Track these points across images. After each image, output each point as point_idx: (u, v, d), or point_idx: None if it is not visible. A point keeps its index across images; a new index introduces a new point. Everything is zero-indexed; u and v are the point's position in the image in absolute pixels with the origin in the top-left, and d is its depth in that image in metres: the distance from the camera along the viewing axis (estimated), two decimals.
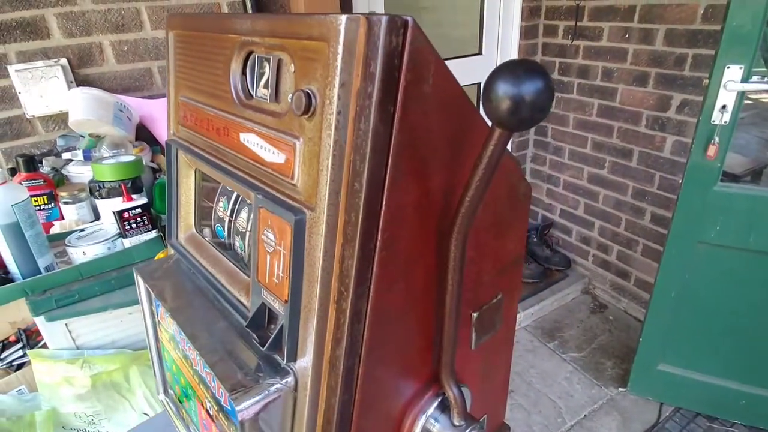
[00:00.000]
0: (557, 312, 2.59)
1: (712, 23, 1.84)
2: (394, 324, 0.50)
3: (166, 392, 0.81)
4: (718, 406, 1.94)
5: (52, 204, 1.45)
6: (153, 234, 1.30)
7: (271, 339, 0.50)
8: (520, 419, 2.03)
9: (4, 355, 1.44)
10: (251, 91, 0.52)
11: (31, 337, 1.40)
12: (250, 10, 1.69)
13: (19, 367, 1.43)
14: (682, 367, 1.94)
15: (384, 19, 0.38)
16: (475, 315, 0.61)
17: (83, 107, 1.43)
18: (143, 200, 1.28)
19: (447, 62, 0.43)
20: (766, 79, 1.52)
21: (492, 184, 0.54)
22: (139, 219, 1.26)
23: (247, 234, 0.63)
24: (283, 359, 0.50)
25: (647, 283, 2.37)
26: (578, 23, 2.25)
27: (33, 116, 1.57)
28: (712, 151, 1.53)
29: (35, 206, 1.39)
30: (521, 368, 2.27)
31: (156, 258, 1.23)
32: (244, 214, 0.65)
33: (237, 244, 0.67)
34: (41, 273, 1.18)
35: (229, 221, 0.67)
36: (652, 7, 2.00)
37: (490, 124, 0.39)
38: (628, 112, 2.21)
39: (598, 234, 2.56)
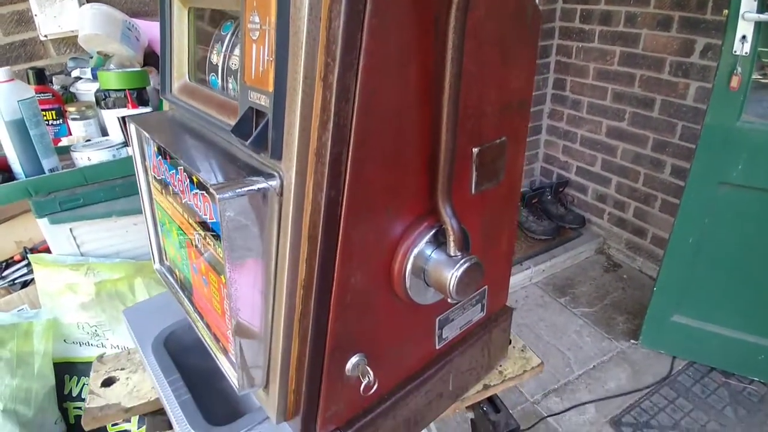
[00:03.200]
0: (570, 270, 2.53)
1: None
2: (385, 117, 0.47)
3: (161, 262, 0.80)
4: (734, 361, 1.87)
5: (61, 120, 1.45)
6: None
7: (255, 132, 0.47)
8: None
9: (6, 273, 1.45)
10: None
11: None
12: None
13: (23, 286, 1.44)
14: (698, 319, 1.87)
15: None
16: (476, 150, 0.58)
17: (91, 22, 1.42)
18: (148, 109, 1.27)
19: None
20: None
21: None
22: None
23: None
24: (268, 155, 0.47)
25: (664, 240, 2.29)
26: None
27: (46, 37, 1.57)
28: (735, 81, 1.46)
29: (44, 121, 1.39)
30: (530, 321, 2.23)
31: None
32: (237, 51, 0.63)
33: (230, 86, 0.64)
34: (45, 174, 1.18)
35: (224, 62, 0.65)
36: None
37: None
38: (651, 59, 2.12)
39: (615, 191, 2.49)
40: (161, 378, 0.71)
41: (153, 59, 1.65)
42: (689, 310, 1.87)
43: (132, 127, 0.70)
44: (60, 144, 1.40)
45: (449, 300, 0.56)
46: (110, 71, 1.29)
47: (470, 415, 0.90)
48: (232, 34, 0.64)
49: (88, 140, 1.32)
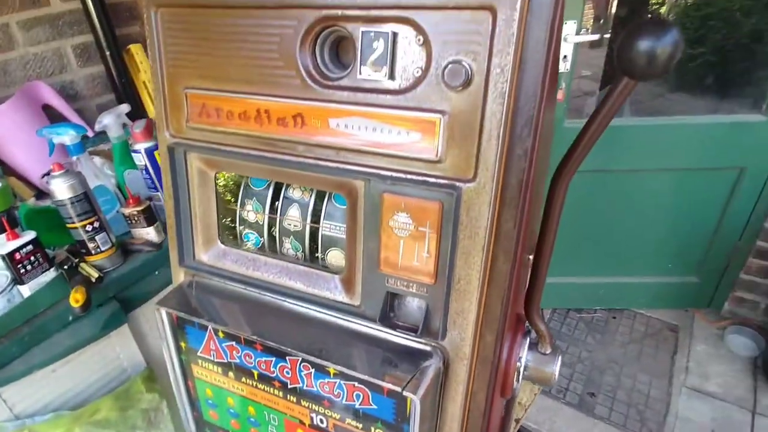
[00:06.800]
0: None
1: None
2: (518, 269, 0.53)
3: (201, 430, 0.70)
4: (583, 299, 2.43)
5: None
6: (52, 273, 1.04)
7: (422, 324, 0.49)
8: None
9: None
10: (334, 70, 0.48)
11: None
12: None
13: None
14: (558, 276, 2.36)
15: None
16: (531, 257, 0.68)
17: None
18: (31, 234, 1.00)
19: None
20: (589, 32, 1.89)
21: None
22: (33, 258, 0.99)
23: (307, 228, 0.58)
24: (436, 338, 0.50)
25: None
26: None
27: None
28: (560, 95, 1.86)
29: None
30: None
31: (72, 301, 0.99)
32: (294, 212, 0.60)
33: (287, 245, 0.61)
34: None
35: (270, 223, 0.61)
36: None
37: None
38: None
39: None
40: None
41: None
42: (552, 271, 2.33)
43: (163, 313, 0.60)
44: None
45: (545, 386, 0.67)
46: None
47: None
48: (273, 192, 0.60)
49: None
